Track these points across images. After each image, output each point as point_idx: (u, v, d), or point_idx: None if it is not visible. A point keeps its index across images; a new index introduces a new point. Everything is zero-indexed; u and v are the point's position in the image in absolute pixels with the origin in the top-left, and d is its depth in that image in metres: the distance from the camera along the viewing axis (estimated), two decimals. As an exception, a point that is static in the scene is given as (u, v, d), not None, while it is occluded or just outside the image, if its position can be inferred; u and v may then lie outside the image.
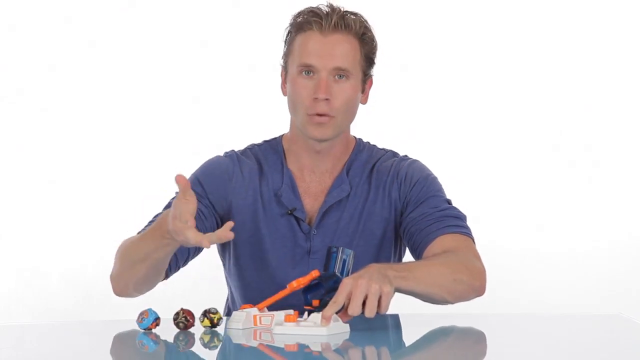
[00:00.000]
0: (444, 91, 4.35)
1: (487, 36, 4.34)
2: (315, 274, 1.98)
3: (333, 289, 1.93)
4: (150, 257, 2.12)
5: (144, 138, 4.28)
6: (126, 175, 4.27)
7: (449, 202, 2.33)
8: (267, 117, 3.89)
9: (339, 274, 1.98)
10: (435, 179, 2.35)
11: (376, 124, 3.84)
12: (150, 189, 4.16)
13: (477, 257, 2.22)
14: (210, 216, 2.29)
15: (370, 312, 1.92)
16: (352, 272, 1.99)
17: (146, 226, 2.27)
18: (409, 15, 4.30)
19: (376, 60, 2.31)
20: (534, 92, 4.35)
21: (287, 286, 1.98)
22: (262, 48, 4.26)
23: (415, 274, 2.08)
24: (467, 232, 2.26)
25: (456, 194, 3.90)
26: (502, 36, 4.34)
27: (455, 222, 2.27)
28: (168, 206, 2.27)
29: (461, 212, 2.31)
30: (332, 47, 2.21)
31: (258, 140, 2.42)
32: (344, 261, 2.01)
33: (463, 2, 4.35)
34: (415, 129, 4.27)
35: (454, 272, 2.12)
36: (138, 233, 2.26)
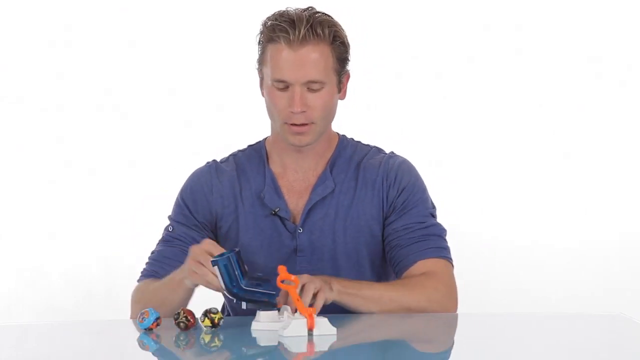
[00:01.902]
0: (444, 90, 4.35)
1: (485, 34, 4.34)
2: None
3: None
4: (171, 301, 2.18)
5: (144, 138, 4.28)
6: (126, 175, 4.27)
7: (432, 213, 2.34)
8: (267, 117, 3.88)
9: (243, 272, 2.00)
10: (422, 183, 2.36)
11: (375, 122, 3.85)
12: (150, 189, 4.17)
13: (452, 285, 2.28)
14: (202, 239, 2.31)
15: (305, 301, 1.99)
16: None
17: (147, 265, 2.34)
18: (404, 14, 4.30)
19: (350, 56, 2.29)
20: (529, 92, 4.35)
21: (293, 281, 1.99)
22: (247, 51, 4.26)
23: (365, 293, 2.16)
24: (447, 256, 2.30)
25: (455, 194, 3.90)
26: (500, 34, 4.34)
27: (437, 242, 2.29)
28: (163, 242, 2.35)
29: (442, 228, 2.33)
30: (303, 61, 2.20)
31: (257, 140, 2.43)
32: (238, 260, 2.00)
33: (458, 2, 4.35)
34: (414, 126, 4.27)
35: (414, 302, 2.19)
36: (141, 273, 2.33)
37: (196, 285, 2.13)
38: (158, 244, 2.36)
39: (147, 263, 2.35)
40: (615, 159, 4.36)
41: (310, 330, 1.86)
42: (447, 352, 1.88)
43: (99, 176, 4.27)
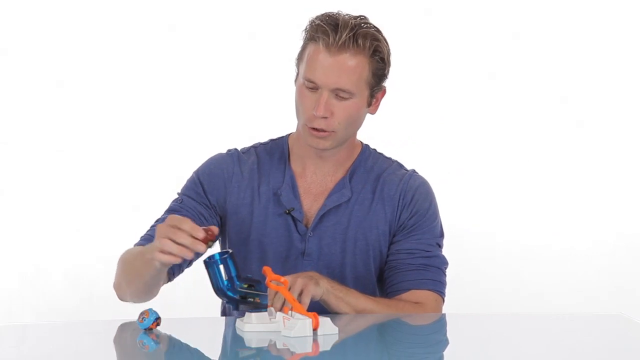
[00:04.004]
0: (446, 90, 4.35)
1: (485, 34, 4.34)
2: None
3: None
4: (142, 275, 2.15)
5: (145, 138, 4.29)
6: (128, 175, 4.27)
7: (439, 242, 2.33)
8: (266, 119, 3.89)
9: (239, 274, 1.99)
10: (435, 210, 2.34)
11: (375, 122, 3.85)
12: (152, 188, 4.17)
13: None
14: (210, 218, 2.31)
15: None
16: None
17: (147, 231, 2.30)
18: (404, 14, 4.30)
19: (388, 73, 2.26)
20: (530, 92, 4.35)
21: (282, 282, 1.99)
22: (262, 49, 4.26)
23: (351, 301, 2.15)
24: (441, 291, 2.29)
25: (456, 192, 3.90)
26: (500, 34, 4.34)
27: (434, 275, 2.28)
28: (169, 211, 2.31)
29: (444, 261, 2.32)
30: (337, 68, 2.17)
31: (257, 140, 2.43)
32: (232, 262, 2.00)
33: (460, 3, 4.36)
34: (414, 126, 4.27)
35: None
36: (140, 238, 2.29)
37: (166, 266, 2.06)
38: (165, 212, 2.32)
39: (149, 229, 2.30)
40: (616, 160, 4.36)
41: (314, 330, 1.86)
42: (447, 352, 1.88)
43: (101, 175, 4.27)
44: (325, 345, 1.83)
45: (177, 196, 2.35)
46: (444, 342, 1.99)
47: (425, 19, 4.32)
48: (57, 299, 4.20)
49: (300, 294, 2.02)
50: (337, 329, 1.89)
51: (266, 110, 4.06)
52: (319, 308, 2.06)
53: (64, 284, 4.23)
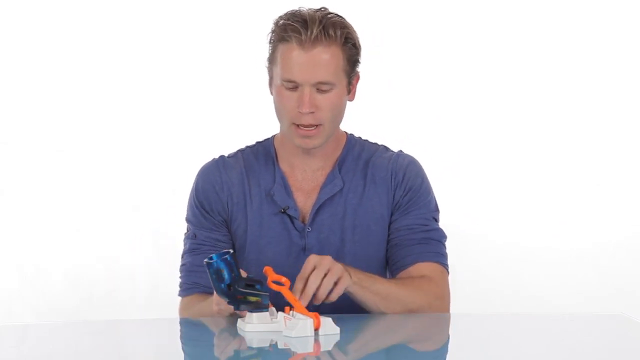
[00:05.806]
0: (445, 87, 4.35)
1: (485, 30, 4.34)
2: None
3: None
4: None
5: (145, 138, 4.28)
6: (128, 175, 4.27)
7: (435, 217, 2.35)
8: (267, 119, 3.88)
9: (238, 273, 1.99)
10: (428, 185, 2.37)
11: (377, 123, 3.85)
12: (152, 188, 4.17)
13: (447, 293, 2.29)
14: (225, 239, 2.34)
15: (323, 292, 1.99)
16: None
17: (182, 279, 2.35)
18: (404, 15, 4.30)
19: (361, 58, 2.29)
20: (532, 91, 4.35)
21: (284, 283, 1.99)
22: (262, 49, 4.26)
23: (377, 288, 2.16)
24: (444, 263, 2.31)
25: (456, 191, 3.90)
26: (500, 31, 4.34)
27: (436, 248, 2.31)
28: (188, 252, 2.36)
29: (443, 234, 2.34)
30: (314, 62, 2.20)
31: (253, 141, 2.44)
32: (232, 262, 2.00)
33: (460, 2, 4.36)
34: (415, 125, 4.27)
35: (415, 304, 2.20)
36: (180, 287, 2.35)
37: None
38: (185, 253, 2.36)
39: (182, 276, 2.35)
40: (616, 161, 4.36)
41: (316, 330, 1.87)
42: (448, 352, 1.88)
43: (102, 175, 4.27)
44: (327, 345, 1.83)
45: (184, 225, 2.38)
46: (446, 342, 1.99)
47: (425, 18, 4.32)
48: (57, 299, 4.20)
49: (335, 283, 2.03)
50: (338, 329, 1.89)
51: (266, 110, 4.05)
52: (320, 308, 2.06)
53: (64, 284, 4.23)
